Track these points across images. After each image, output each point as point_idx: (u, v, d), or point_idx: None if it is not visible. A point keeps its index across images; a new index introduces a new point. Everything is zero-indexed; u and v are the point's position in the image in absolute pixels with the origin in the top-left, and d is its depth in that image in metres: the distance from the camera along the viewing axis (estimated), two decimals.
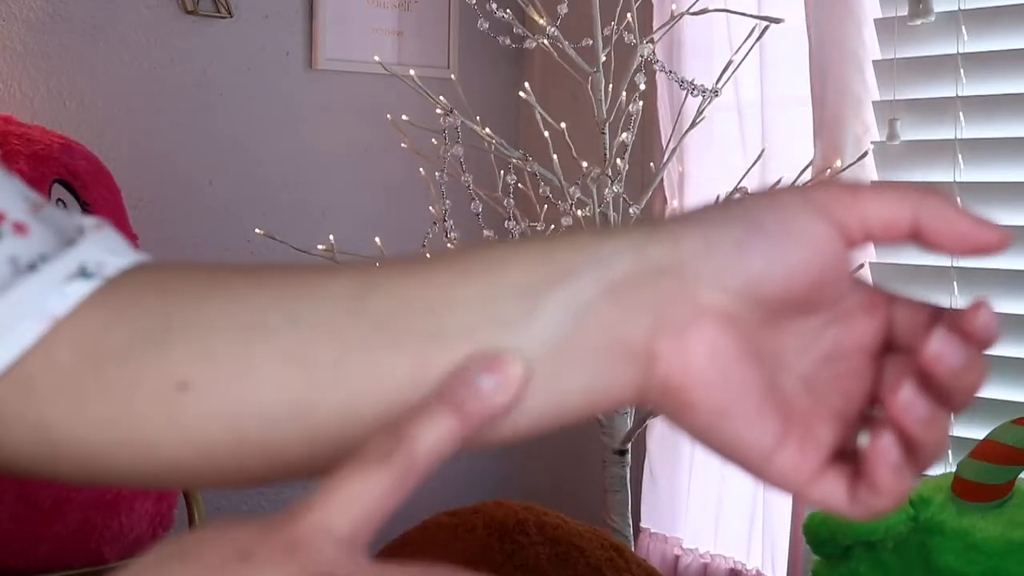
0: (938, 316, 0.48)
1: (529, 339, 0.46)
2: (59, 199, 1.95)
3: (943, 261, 2.01)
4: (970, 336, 0.46)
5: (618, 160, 1.99)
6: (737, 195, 0.49)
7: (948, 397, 0.46)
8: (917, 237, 0.47)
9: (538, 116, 2.00)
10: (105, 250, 0.52)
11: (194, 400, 0.48)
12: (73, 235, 0.53)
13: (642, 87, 2.00)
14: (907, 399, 0.45)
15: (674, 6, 2.09)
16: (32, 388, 0.49)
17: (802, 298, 0.47)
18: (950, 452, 2.03)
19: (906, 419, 0.46)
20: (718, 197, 0.52)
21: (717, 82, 1.98)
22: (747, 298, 0.46)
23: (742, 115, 2.32)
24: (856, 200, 0.46)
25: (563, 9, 1.97)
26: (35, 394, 0.49)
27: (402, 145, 2.11)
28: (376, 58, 2.11)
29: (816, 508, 0.49)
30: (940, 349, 0.45)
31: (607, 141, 2.01)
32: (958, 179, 2.01)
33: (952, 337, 0.45)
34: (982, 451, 1.71)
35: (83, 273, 0.50)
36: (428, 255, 0.49)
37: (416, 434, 0.42)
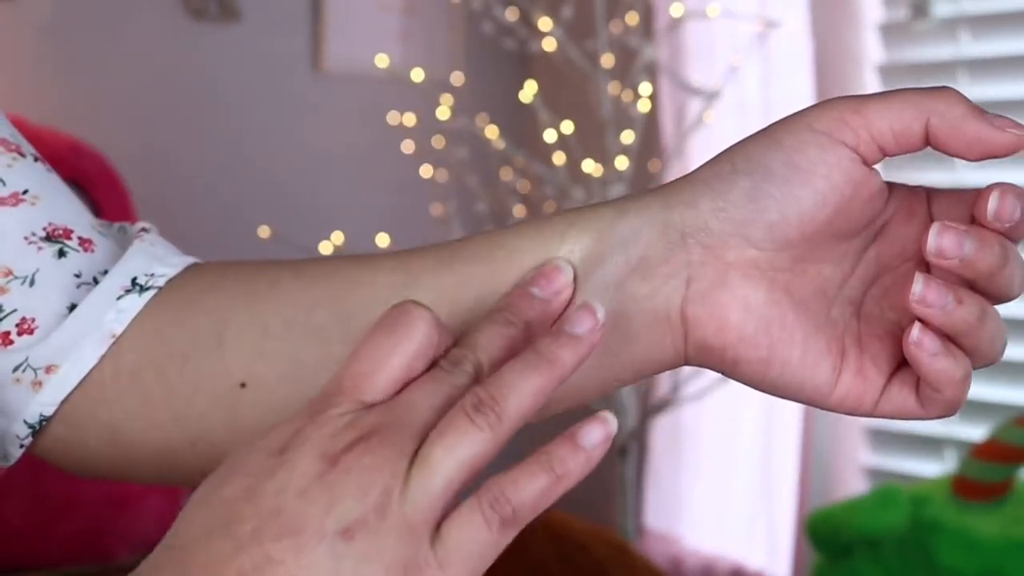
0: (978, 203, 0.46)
1: None
2: None
3: None
4: (987, 223, 0.45)
5: (620, 161, 2.01)
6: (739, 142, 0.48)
7: (978, 285, 0.45)
8: (931, 144, 0.46)
9: (541, 118, 2.01)
10: (153, 259, 0.54)
11: (252, 397, 0.51)
12: (127, 245, 0.55)
13: (645, 89, 2.01)
14: (918, 295, 0.45)
15: (674, 8, 2.10)
16: (102, 395, 0.52)
17: (830, 228, 0.47)
18: (951, 452, 2.04)
19: (925, 313, 0.45)
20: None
21: (719, 86, 2.00)
22: (772, 244, 0.46)
23: (744, 117, 2.33)
24: (861, 118, 0.45)
25: (567, 12, 1.99)
26: (105, 400, 0.52)
27: (407, 145, 2.13)
28: (381, 61, 2.13)
29: (889, 416, 0.48)
30: (937, 245, 0.44)
31: (610, 142, 2.02)
32: (960, 181, 2.03)
33: (949, 231, 0.44)
34: (984, 450, 1.72)
35: (135, 285, 0.53)
36: (452, 243, 0.51)
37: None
